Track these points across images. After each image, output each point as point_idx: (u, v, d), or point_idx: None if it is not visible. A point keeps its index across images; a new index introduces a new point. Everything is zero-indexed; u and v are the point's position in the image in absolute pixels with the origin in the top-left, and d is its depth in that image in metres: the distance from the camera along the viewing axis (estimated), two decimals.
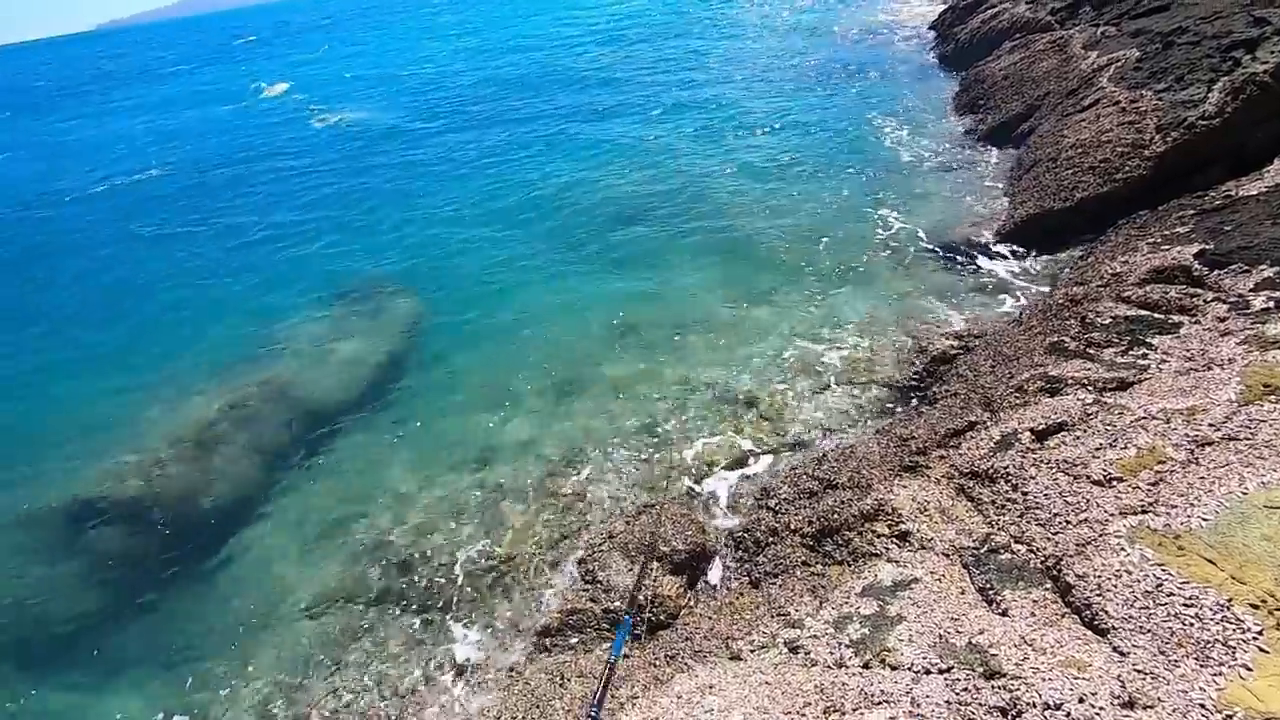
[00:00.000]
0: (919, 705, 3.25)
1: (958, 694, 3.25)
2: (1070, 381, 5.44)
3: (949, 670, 3.43)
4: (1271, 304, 5.45)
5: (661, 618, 5.06)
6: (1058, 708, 2.99)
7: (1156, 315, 6.00)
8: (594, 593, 5.33)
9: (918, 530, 4.62)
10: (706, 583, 5.42)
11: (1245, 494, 3.64)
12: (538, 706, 4.44)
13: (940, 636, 3.67)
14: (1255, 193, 7.28)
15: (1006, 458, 4.80)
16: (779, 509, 5.57)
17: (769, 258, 10.40)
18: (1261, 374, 4.55)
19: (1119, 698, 2.95)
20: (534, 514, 6.50)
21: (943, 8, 22.51)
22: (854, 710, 3.39)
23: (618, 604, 5.14)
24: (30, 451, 8.61)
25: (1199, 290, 6.11)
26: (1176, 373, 5.09)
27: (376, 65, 36.50)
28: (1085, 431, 4.73)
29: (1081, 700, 2.98)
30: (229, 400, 8.72)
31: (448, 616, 5.70)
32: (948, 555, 4.36)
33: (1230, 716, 2.72)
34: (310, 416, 8.50)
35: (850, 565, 4.73)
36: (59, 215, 18.18)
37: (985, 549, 4.25)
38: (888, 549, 4.65)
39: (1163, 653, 3.09)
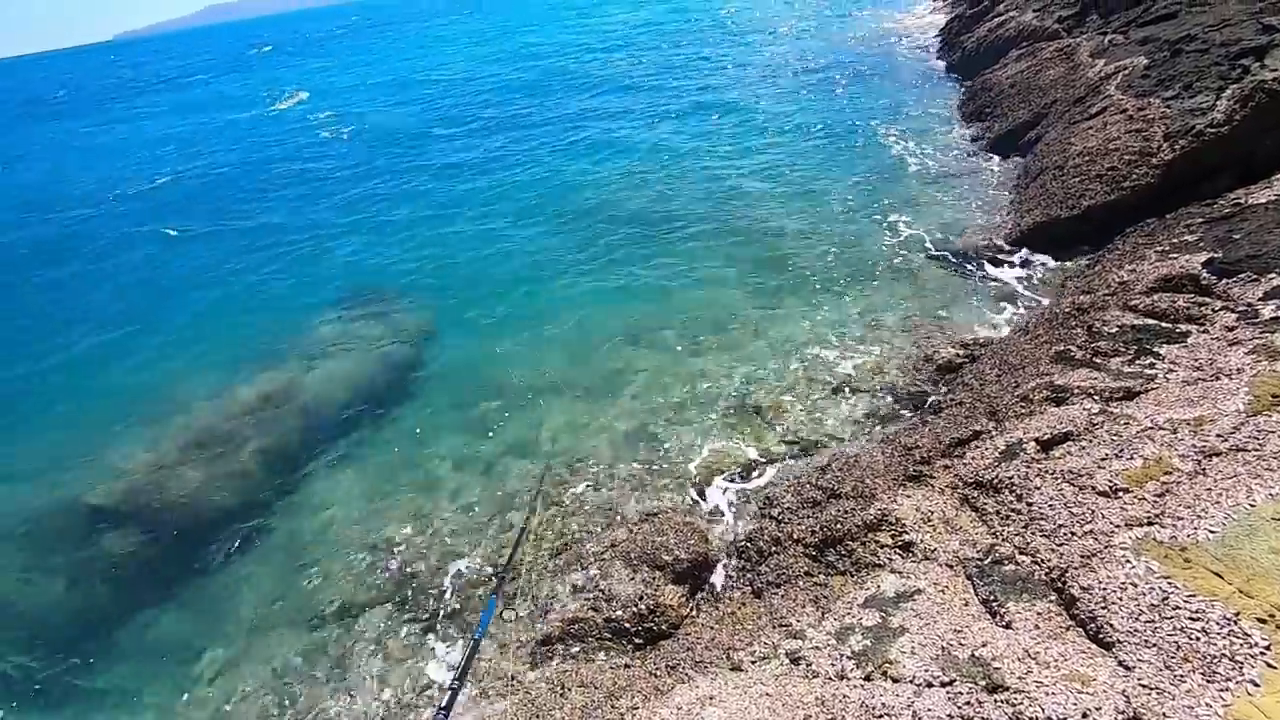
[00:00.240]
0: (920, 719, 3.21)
1: (960, 708, 3.21)
2: (1076, 391, 5.39)
3: (951, 683, 3.39)
4: None
5: (663, 627, 5.04)
6: None
7: (1164, 324, 5.94)
8: (595, 602, 5.31)
9: (921, 541, 4.58)
10: (708, 592, 5.39)
11: (1253, 506, 3.59)
12: (538, 716, 4.42)
13: (943, 649, 3.63)
14: (1264, 201, 7.21)
15: (1011, 468, 4.76)
16: (782, 518, 5.54)
17: (775, 264, 10.39)
18: (1270, 384, 4.50)
19: (1123, 713, 2.90)
20: (537, 522, 6.48)
21: (949, 16, 22.53)
22: None
23: (620, 613, 5.11)
24: (37, 453, 8.69)
25: (1207, 299, 6.06)
26: (1184, 382, 5.04)
27: (391, 73, 36.85)
28: (1091, 442, 4.68)
29: (1085, 715, 2.93)
30: (237, 403, 8.77)
31: (449, 624, 5.68)
32: (951, 566, 4.32)
33: None
34: (315, 421, 8.54)
35: (853, 576, 4.69)
36: (69, 219, 18.41)
37: (989, 560, 4.21)
38: (891, 560, 4.61)
39: (1168, 667, 3.05)
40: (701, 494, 6.46)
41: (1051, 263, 8.96)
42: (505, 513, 6.69)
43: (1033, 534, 4.21)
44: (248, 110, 32.14)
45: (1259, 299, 5.71)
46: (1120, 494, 4.09)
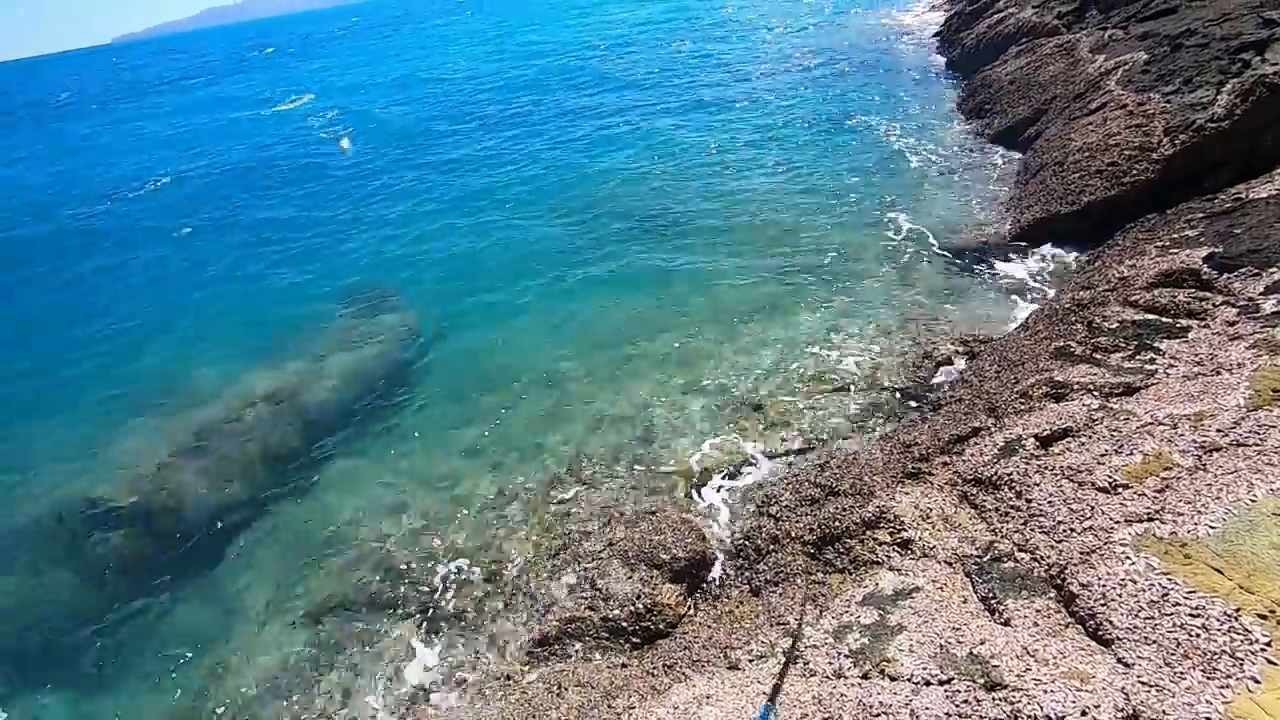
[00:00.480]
0: (918, 718, 3.18)
1: (958, 706, 3.18)
2: (1076, 387, 5.35)
3: (949, 681, 3.36)
4: None
5: (661, 626, 5.01)
6: None
7: (1164, 319, 5.90)
8: (593, 601, 5.28)
9: (920, 538, 4.55)
10: (706, 590, 5.36)
11: (1254, 501, 3.55)
12: (535, 716, 4.39)
13: (941, 647, 3.60)
14: (1265, 195, 7.17)
15: (1010, 464, 4.73)
16: (780, 516, 5.50)
17: (774, 260, 10.36)
18: (1271, 379, 4.46)
19: (1123, 711, 2.87)
20: (533, 521, 6.46)
21: (949, 13, 22.47)
22: None
23: (617, 612, 5.08)
24: (30, 456, 8.68)
25: (1208, 294, 6.01)
26: (1184, 377, 5.00)
27: (393, 73, 36.85)
28: (1091, 437, 4.65)
29: (1084, 713, 2.90)
30: (230, 405, 8.76)
31: (446, 624, 5.66)
32: (950, 563, 4.29)
33: None
34: (311, 422, 8.53)
35: (851, 573, 4.66)
36: (78, 217, 18.43)
37: (988, 557, 4.18)
38: (889, 557, 4.58)
39: (1168, 664, 3.01)
40: (699, 492, 6.43)
41: (1051, 259, 8.92)
42: (502, 512, 6.66)
43: (1032, 531, 4.18)
44: (251, 110, 32.18)
45: (1260, 294, 5.67)
46: (1120, 490, 4.06)
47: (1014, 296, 8.40)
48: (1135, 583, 3.42)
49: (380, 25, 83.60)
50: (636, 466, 6.90)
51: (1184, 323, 5.76)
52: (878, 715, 3.31)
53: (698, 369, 8.18)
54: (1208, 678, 2.88)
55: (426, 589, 6.03)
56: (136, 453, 8.28)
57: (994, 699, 3.15)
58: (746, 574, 5.27)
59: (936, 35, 21.96)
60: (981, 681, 3.27)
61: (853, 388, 7.37)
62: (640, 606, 5.10)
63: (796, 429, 6.95)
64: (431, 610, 5.82)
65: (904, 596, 4.12)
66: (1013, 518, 4.37)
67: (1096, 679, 3.06)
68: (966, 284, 8.90)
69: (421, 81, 31.79)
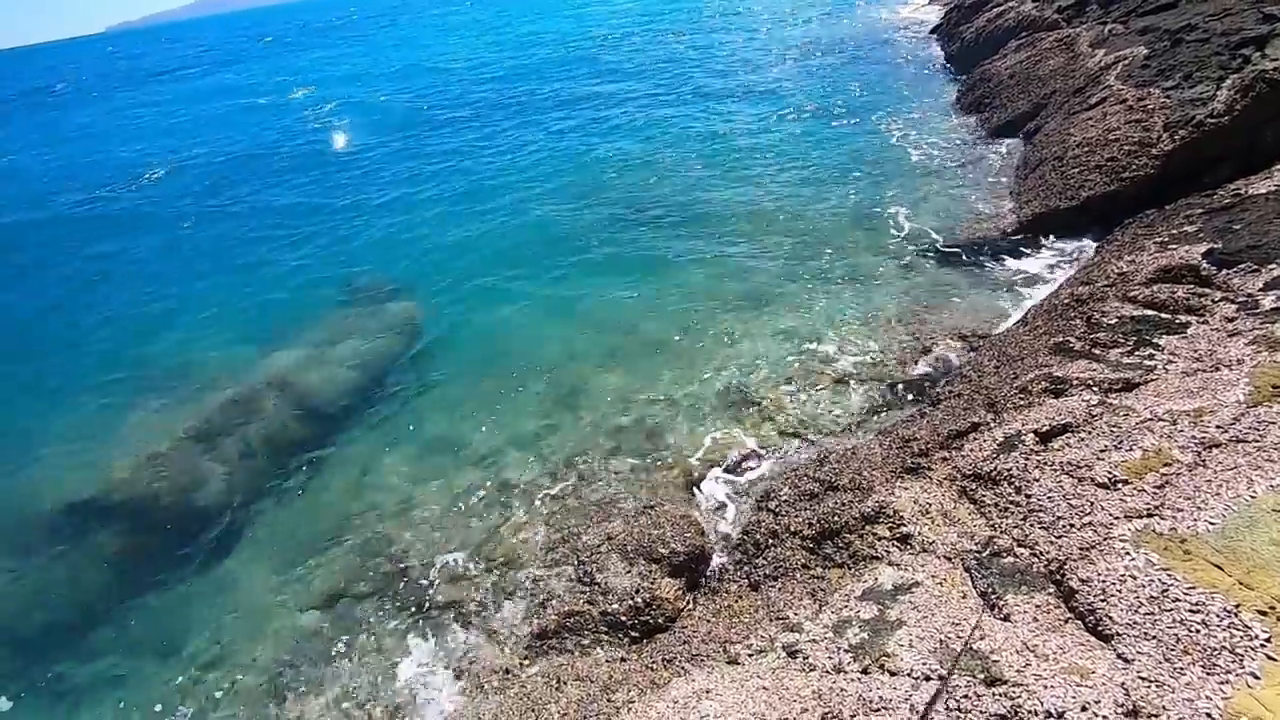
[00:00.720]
0: (918, 712, 3.18)
1: (958, 700, 3.19)
2: (1075, 382, 5.36)
3: (949, 677, 3.36)
4: None
5: (660, 620, 5.01)
6: (1060, 716, 2.92)
7: (1163, 315, 5.90)
8: (592, 595, 5.28)
9: (919, 533, 4.55)
10: (705, 585, 5.36)
11: (1254, 497, 3.56)
12: (534, 710, 4.39)
13: (941, 642, 3.60)
14: (1264, 191, 7.17)
15: (1010, 459, 4.73)
16: (779, 511, 5.51)
17: (772, 256, 10.34)
18: (1271, 375, 4.47)
19: (1123, 706, 2.88)
20: (532, 515, 6.46)
21: (948, 7, 22.40)
22: (852, 717, 3.33)
23: (616, 606, 5.08)
24: (25, 448, 8.63)
25: (1207, 290, 6.02)
26: (1183, 374, 5.00)
27: (392, 63, 36.60)
28: (1090, 433, 4.65)
29: (1084, 708, 2.91)
30: (226, 399, 8.71)
31: (443, 618, 5.66)
32: (949, 559, 4.29)
33: None
34: (308, 414, 8.50)
35: (850, 568, 4.66)
36: (65, 211, 18.27)
37: (987, 552, 4.19)
38: (888, 552, 4.58)
39: (1168, 660, 3.02)
40: (698, 487, 6.43)
41: (1050, 254, 8.91)
42: (501, 504, 6.65)
43: (1031, 526, 4.18)
44: (249, 99, 31.93)
45: (1259, 290, 5.68)
46: (1119, 486, 4.06)
47: (1013, 291, 8.40)
48: (1135, 578, 3.42)
49: (378, 15, 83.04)
50: (634, 460, 6.89)
51: (1183, 319, 5.77)
52: (878, 710, 3.32)
53: (696, 362, 8.17)
54: (1207, 673, 2.89)
55: (425, 581, 6.02)
56: (135, 441, 8.24)
57: (994, 694, 3.16)
58: (745, 569, 5.27)
59: (936, 29, 21.90)
60: (981, 676, 3.28)
61: (851, 382, 7.37)
62: (639, 601, 5.10)
63: (795, 423, 6.95)
64: (430, 602, 5.81)
65: (903, 591, 4.13)
66: (1012, 513, 4.37)
67: (1096, 674, 3.06)
68: (965, 278, 8.89)
69: (421, 71, 31.62)
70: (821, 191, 12.28)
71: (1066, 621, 3.52)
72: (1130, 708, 2.86)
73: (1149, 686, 2.93)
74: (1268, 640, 2.89)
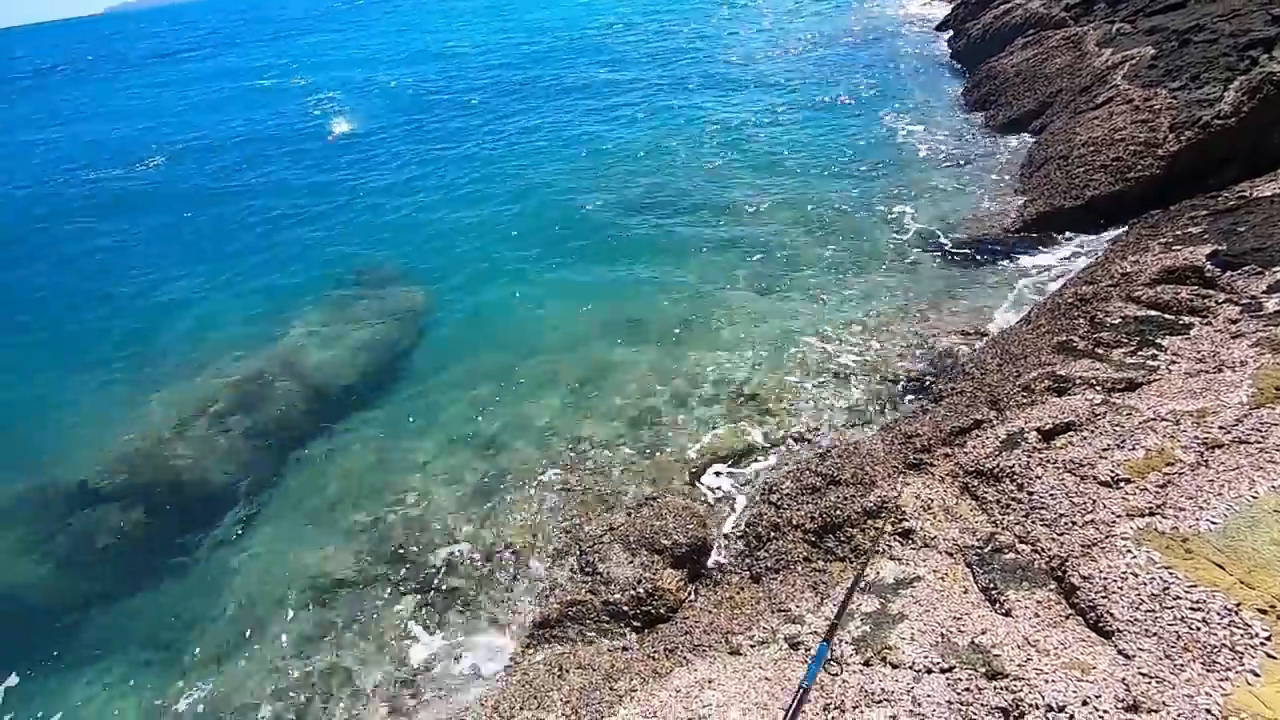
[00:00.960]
0: (920, 704, 3.22)
1: (959, 694, 3.22)
2: (1078, 381, 5.38)
3: (951, 670, 3.40)
4: None
5: (661, 611, 5.04)
6: (1061, 710, 2.96)
7: (1167, 316, 5.93)
8: (594, 585, 5.31)
9: (921, 528, 4.58)
10: (707, 576, 5.39)
11: (1255, 498, 3.59)
12: (535, 697, 4.43)
13: (942, 636, 3.64)
14: (1270, 194, 7.19)
15: (1012, 457, 4.76)
16: (781, 504, 5.53)
17: (776, 250, 10.34)
18: (1273, 377, 4.49)
19: (1123, 701, 2.91)
20: (534, 504, 6.48)
21: (954, 2, 22.32)
22: (854, 708, 3.36)
23: (618, 596, 5.12)
24: (30, 432, 8.63)
25: (1210, 291, 6.04)
26: (1186, 374, 5.03)
27: (398, 49, 36.36)
28: (1093, 432, 4.68)
29: (1085, 703, 2.94)
30: (231, 382, 8.73)
31: (446, 604, 5.69)
32: (951, 554, 4.32)
33: None
34: (313, 400, 8.51)
35: (852, 562, 4.69)
36: (62, 199, 18.18)
37: (989, 548, 4.22)
38: (890, 546, 4.61)
39: (1168, 656, 3.05)
40: (700, 479, 6.46)
41: (1054, 253, 8.92)
42: (504, 493, 6.68)
43: (1033, 523, 4.21)
44: (253, 81, 31.70)
45: (1263, 292, 5.70)
46: (1122, 484, 4.09)
47: (1016, 290, 8.41)
48: (1136, 576, 3.45)
49: (381, 0, 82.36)
50: (637, 451, 6.92)
51: (1186, 320, 5.79)
52: (879, 701, 3.36)
53: (698, 354, 8.19)
54: (1207, 670, 2.93)
55: (427, 569, 6.05)
56: (138, 423, 8.26)
57: (995, 688, 3.19)
58: (747, 561, 5.30)
59: (942, 25, 21.82)
60: (983, 670, 3.31)
61: (854, 377, 7.39)
62: (641, 591, 5.13)
63: (797, 418, 6.97)
64: (432, 590, 5.84)
65: (905, 585, 4.16)
66: (1014, 510, 4.40)
67: (1097, 670, 3.10)
68: (968, 276, 8.91)
69: (427, 57, 31.44)
70: (825, 185, 12.27)
71: (1067, 618, 3.55)
72: (1131, 703, 2.89)
73: (1149, 682, 2.96)
74: (1268, 638, 2.93)
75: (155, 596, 6.41)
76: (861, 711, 3.31)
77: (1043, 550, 4.00)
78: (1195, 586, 3.26)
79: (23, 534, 7.19)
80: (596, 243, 11.38)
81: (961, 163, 12.16)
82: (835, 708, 3.40)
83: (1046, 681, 3.11)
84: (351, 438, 7.88)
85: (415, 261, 11.64)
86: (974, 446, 5.14)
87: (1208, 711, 2.76)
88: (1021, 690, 3.11)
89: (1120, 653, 3.18)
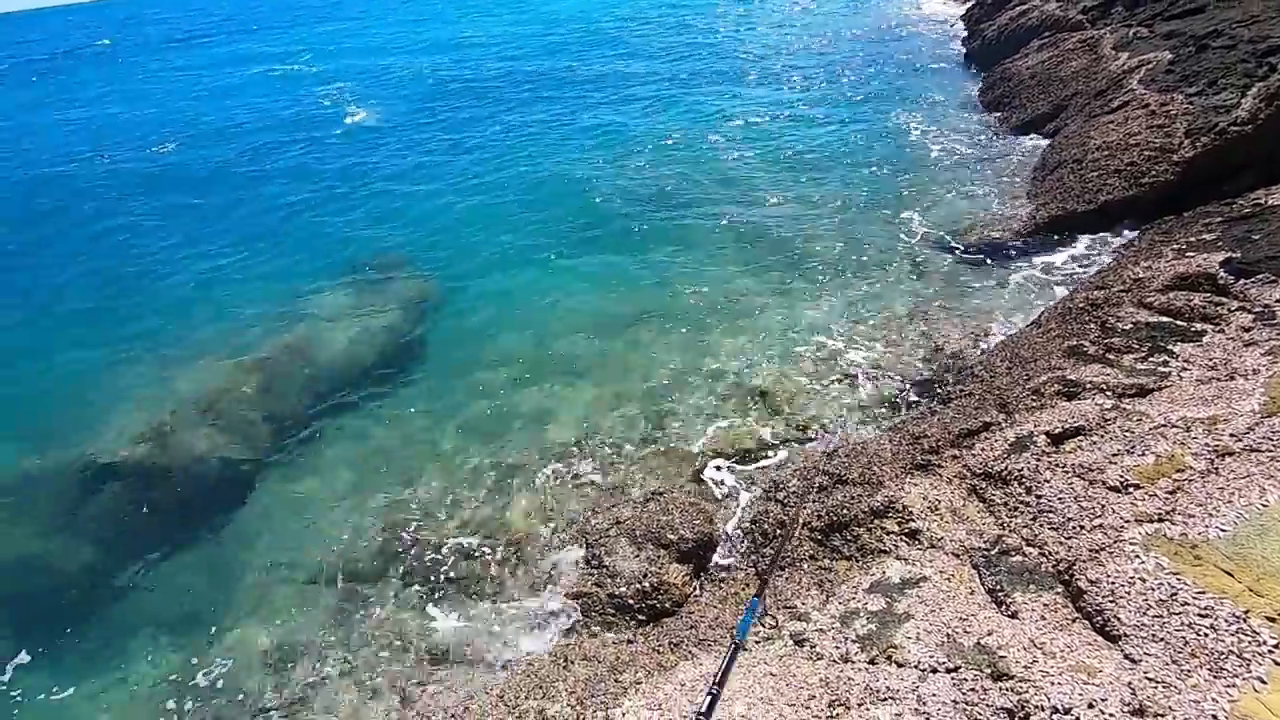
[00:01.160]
0: (925, 703, 3.24)
1: (965, 694, 3.24)
2: (1088, 386, 5.38)
3: (956, 670, 3.41)
4: None
5: (667, 605, 5.07)
6: (1066, 712, 2.97)
7: (1179, 322, 5.91)
8: (599, 577, 5.34)
9: (928, 529, 4.59)
10: (712, 572, 5.41)
11: (1265, 506, 3.59)
12: (541, 687, 4.46)
13: (948, 636, 3.65)
14: None
15: (1021, 460, 4.76)
16: (787, 502, 5.55)
17: (787, 249, 10.33)
18: None
19: (1129, 705, 2.92)
20: (541, 496, 6.51)
21: (969, 3, 22.20)
22: (859, 705, 3.38)
23: (623, 589, 5.15)
24: (41, 413, 8.69)
25: (1223, 299, 6.02)
26: (1198, 381, 5.02)
27: (415, 38, 36.28)
28: (1103, 437, 4.68)
29: (1091, 705, 2.96)
30: (241, 366, 8.76)
31: (453, 594, 5.72)
32: (957, 555, 4.34)
33: None
34: (321, 387, 8.55)
35: (858, 561, 4.71)
36: (80, 181, 18.25)
37: (996, 550, 4.23)
38: (897, 546, 4.62)
39: (1175, 662, 3.06)
40: (706, 475, 6.47)
41: (1066, 256, 8.89)
42: (511, 484, 6.71)
43: (1041, 526, 4.22)
44: (268, 66, 31.70)
45: (1276, 300, 5.68)
46: (1131, 489, 4.10)
47: (1027, 293, 8.40)
48: (1144, 581, 3.46)
49: None
50: (644, 446, 6.93)
51: (1199, 327, 5.77)
52: (885, 699, 3.37)
53: (705, 352, 8.19)
54: (1214, 676, 2.94)
55: (432, 559, 6.08)
56: (140, 410, 8.27)
57: (1001, 689, 3.21)
58: (752, 557, 5.33)
59: (957, 24, 21.71)
60: (988, 671, 3.33)
61: (862, 377, 7.39)
62: (647, 585, 5.16)
63: (804, 416, 6.98)
64: (437, 581, 5.88)
65: (911, 585, 4.17)
66: (1022, 513, 4.41)
67: (1103, 673, 3.11)
68: (979, 278, 8.88)
69: (443, 47, 31.36)
70: (836, 183, 12.24)
71: (1074, 621, 3.56)
72: (1137, 706, 2.91)
73: (1156, 687, 2.98)
74: (1276, 646, 2.93)
75: (171, 574, 6.46)
76: (867, 709, 3.33)
77: (1050, 553, 4.01)
78: (1203, 593, 3.26)
79: (29, 510, 7.24)
80: (607, 234, 11.39)
81: (974, 164, 12.11)
82: (840, 704, 3.42)
83: (1052, 684, 3.12)
84: (353, 426, 7.92)
85: (429, 249, 11.69)
86: (982, 449, 5.14)
87: (1214, 717, 2.77)
88: (1027, 692, 3.12)
89: (1127, 657, 3.19)
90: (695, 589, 5.25)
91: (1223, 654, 3.00)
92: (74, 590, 6.45)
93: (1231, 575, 3.29)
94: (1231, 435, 4.19)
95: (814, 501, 5.25)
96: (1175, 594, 3.32)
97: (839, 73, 19.13)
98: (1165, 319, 6.01)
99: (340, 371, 8.74)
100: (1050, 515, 4.24)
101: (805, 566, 4.92)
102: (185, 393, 8.42)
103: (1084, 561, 3.78)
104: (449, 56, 28.39)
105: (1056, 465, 4.58)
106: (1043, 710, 3.01)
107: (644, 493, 6.23)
